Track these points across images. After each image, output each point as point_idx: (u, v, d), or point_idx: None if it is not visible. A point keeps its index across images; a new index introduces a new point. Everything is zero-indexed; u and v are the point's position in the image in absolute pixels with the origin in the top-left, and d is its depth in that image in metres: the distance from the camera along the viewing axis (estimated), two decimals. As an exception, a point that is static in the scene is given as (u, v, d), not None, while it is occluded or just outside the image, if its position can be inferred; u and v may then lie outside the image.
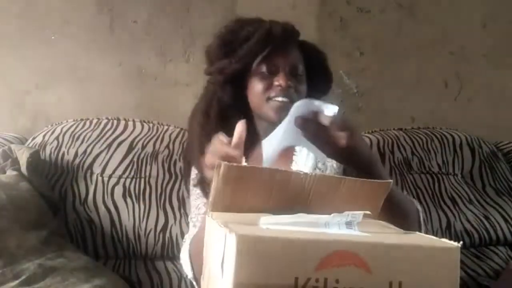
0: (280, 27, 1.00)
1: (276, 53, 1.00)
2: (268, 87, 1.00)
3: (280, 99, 0.98)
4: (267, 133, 1.05)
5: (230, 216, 0.63)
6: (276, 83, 0.99)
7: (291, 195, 0.67)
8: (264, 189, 0.67)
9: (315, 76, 1.07)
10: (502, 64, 1.82)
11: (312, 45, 1.10)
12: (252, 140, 1.09)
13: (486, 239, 1.40)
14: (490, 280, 1.29)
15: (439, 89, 1.80)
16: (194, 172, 1.10)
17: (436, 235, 1.34)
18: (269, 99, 1.00)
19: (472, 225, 1.39)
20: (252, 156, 1.04)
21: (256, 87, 1.01)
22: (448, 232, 1.37)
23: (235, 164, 0.67)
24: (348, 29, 1.73)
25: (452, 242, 0.53)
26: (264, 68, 1.00)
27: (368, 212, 0.59)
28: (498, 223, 1.41)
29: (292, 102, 0.95)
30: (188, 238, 1.04)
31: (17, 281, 0.89)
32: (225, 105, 1.04)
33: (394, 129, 1.57)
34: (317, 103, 0.77)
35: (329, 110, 0.75)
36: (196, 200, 1.07)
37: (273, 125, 1.00)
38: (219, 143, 0.75)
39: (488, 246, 1.42)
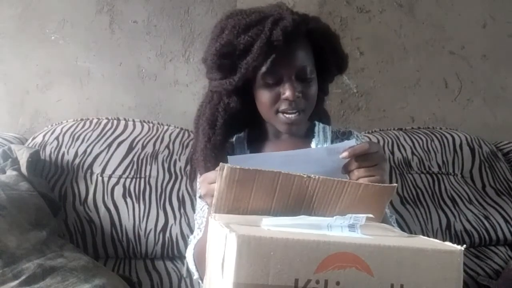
0: (281, 30, 0.89)
1: (280, 60, 0.92)
2: (276, 98, 0.95)
3: (288, 115, 0.95)
4: (276, 135, 1.07)
5: (233, 217, 0.63)
6: (283, 96, 0.93)
7: (294, 198, 0.67)
8: (267, 192, 0.67)
9: (328, 59, 1.01)
10: (502, 64, 1.82)
11: (321, 31, 0.99)
12: (261, 141, 1.09)
13: (486, 239, 1.40)
14: (490, 280, 1.29)
15: (439, 89, 1.80)
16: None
17: (436, 235, 1.35)
18: (278, 111, 0.96)
19: (472, 225, 1.39)
20: None
21: (263, 98, 0.96)
22: (448, 232, 1.37)
23: (238, 166, 0.67)
24: (348, 29, 1.73)
25: (455, 245, 0.53)
26: (269, 79, 0.94)
27: (371, 215, 0.59)
28: (498, 223, 1.41)
29: (302, 112, 0.96)
30: (193, 238, 1.05)
31: (17, 281, 0.89)
32: (232, 113, 0.99)
33: (394, 129, 1.57)
34: (337, 145, 0.84)
35: (351, 142, 0.81)
36: (201, 202, 1.07)
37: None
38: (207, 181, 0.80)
39: (488, 246, 1.42)
